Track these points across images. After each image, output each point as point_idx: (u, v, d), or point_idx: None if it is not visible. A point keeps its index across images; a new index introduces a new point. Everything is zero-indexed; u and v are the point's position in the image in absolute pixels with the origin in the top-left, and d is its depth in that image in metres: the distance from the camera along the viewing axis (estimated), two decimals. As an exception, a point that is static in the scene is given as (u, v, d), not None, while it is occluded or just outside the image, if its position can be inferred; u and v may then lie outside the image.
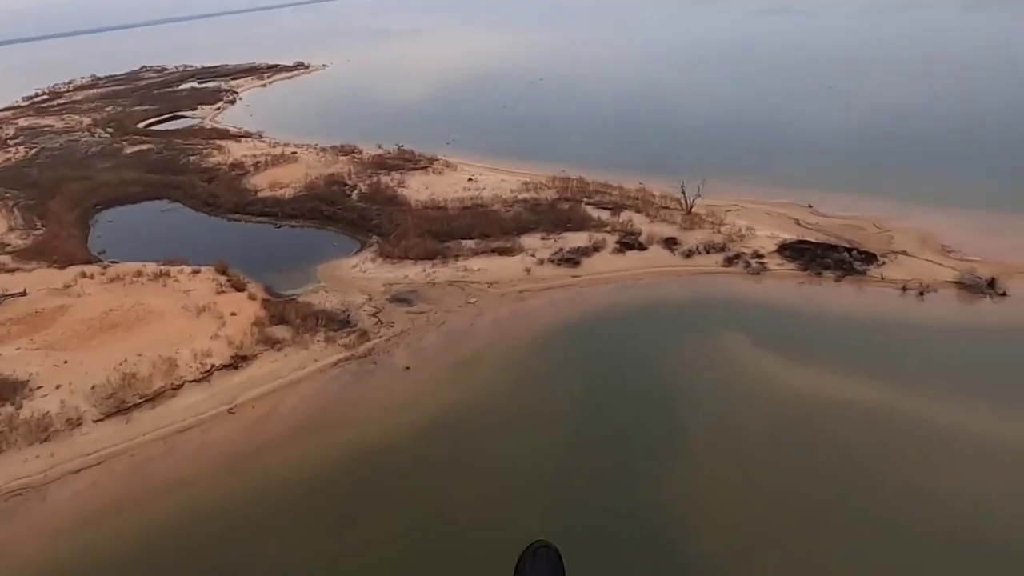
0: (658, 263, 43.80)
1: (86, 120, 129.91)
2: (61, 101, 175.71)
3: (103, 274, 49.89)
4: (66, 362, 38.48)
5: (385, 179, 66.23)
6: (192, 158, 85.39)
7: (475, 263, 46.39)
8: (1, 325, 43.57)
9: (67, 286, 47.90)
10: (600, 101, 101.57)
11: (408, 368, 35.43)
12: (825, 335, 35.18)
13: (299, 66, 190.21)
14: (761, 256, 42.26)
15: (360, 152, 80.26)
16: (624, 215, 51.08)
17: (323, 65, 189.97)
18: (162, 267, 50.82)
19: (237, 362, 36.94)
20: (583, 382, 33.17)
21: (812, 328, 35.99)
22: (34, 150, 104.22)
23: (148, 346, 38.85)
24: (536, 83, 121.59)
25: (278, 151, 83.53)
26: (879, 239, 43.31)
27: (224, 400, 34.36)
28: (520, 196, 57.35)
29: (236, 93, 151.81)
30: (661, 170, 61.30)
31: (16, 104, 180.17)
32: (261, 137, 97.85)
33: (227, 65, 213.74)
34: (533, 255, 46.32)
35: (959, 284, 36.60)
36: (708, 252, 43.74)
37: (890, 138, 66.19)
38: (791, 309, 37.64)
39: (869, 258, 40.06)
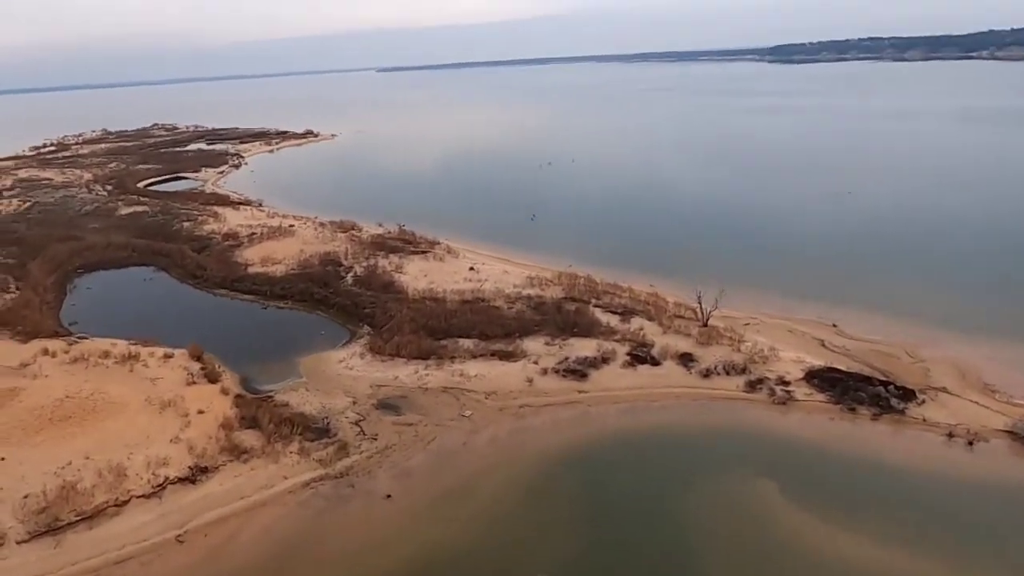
0: (673, 382, 39.99)
1: (87, 175, 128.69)
2: (67, 154, 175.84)
3: (67, 352, 45.79)
4: (3, 459, 33.89)
5: (383, 262, 63.21)
6: (186, 224, 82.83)
7: (473, 367, 42.53)
8: (-59, 408, 39.12)
9: (24, 364, 43.72)
10: (612, 191, 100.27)
11: (389, 496, 30.95)
12: (862, 486, 31.03)
13: (308, 134, 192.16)
14: (787, 383, 38.55)
15: (360, 230, 77.76)
16: (635, 322, 47.67)
17: (332, 135, 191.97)
18: (132, 347, 46.84)
19: (195, 475, 32.42)
20: (586, 528, 28.73)
21: (847, 476, 31.85)
22: (27, 204, 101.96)
23: (98, 447, 34.38)
24: (544, 167, 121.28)
25: (275, 223, 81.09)
26: (914, 371, 39.77)
27: (174, 523, 29.68)
28: (524, 292, 54.10)
29: (242, 157, 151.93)
30: (674, 272, 58.61)
31: (21, 154, 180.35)
32: (260, 206, 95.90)
33: (237, 128, 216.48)
34: (536, 362, 42.55)
35: (1012, 434, 32.79)
36: (728, 373, 40.04)
37: (915, 252, 63.85)
38: (823, 450, 33.59)
39: (907, 394, 36.37)
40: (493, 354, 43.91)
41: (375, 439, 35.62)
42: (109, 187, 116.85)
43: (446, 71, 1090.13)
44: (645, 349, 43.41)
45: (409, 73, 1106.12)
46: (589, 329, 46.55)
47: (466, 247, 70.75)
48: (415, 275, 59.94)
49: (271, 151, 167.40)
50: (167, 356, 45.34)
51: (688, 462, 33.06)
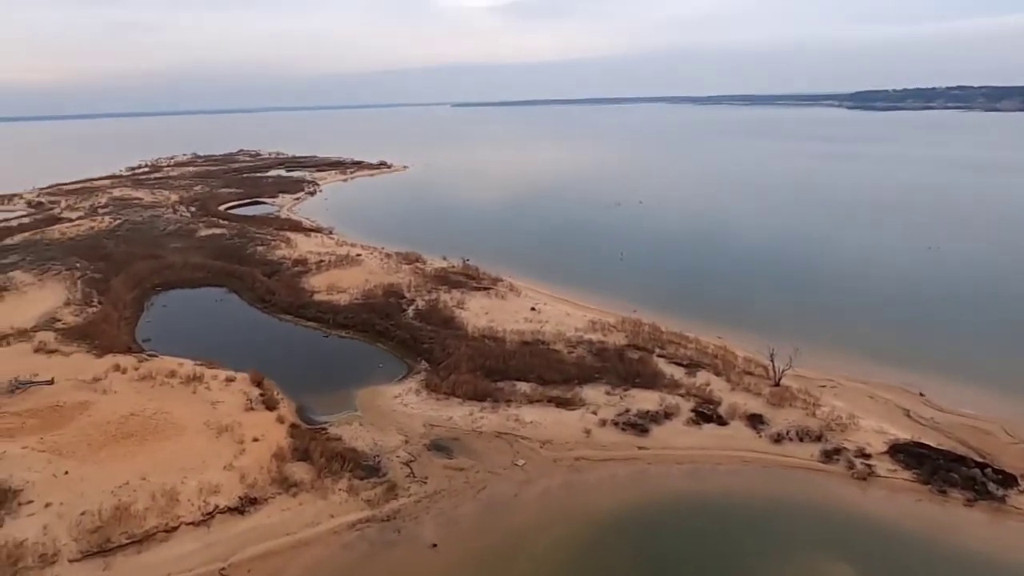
0: (741, 445, 37.52)
1: (173, 197, 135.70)
2: (158, 175, 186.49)
3: (137, 369, 47.17)
4: (67, 473, 34.66)
5: (444, 297, 63.08)
6: (259, 248, 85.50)
7: (529, 413, 41.23)
8: (17, 416, 40.69)
9: (96, 379, 45.17)
10: (681, 235, 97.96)
11: (435, 546, 29.80)
12: (953, 580, 27.86)
13: (382, 165, 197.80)
14: (868, 455, 35.51)
15: (424, 262, 78.31)
16: (701, 376, 45.40)
17: (404, 166, 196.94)
18: (198, 367, 47.86)
19: (244, 505, 32.20)
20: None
21: (934, 567, 28.68)
22: (118, 222, 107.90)
23: (155, 469, 34.73)
24: (612, 208, 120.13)
25: (343, 251, 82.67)
26: (1014, 452, 36.00)
27: (220, 555, 29.37)
28: (585, 336, 52.65)
29: (318, 185, 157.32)
30: (744, 325, 55.95)
31: (118, 173, 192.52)
32: (331, 234, 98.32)
33: (315, 156, 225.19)
34: (595, 412, 40.88)
35: None
36: (801, 440, 37.30)
37: (1009, 317, 58.94)
38: (908, 535, 30.46)
39: (1008, 480, 32.80)
40: (550, 400, 42.52)
41: (425, 482, 34.66)
42: (193, 208, 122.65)
43: (518, 108, 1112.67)
44: (711, 406, 41.12)
45: (482, 109, 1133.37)
46: (652, 380, 44.61)
47: (528, 285, 70.02)
48: (476, 312, 59.43)
49: (345, 180, 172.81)
50: (229, 380, 46.04)
51: (755, 537, 30.53)
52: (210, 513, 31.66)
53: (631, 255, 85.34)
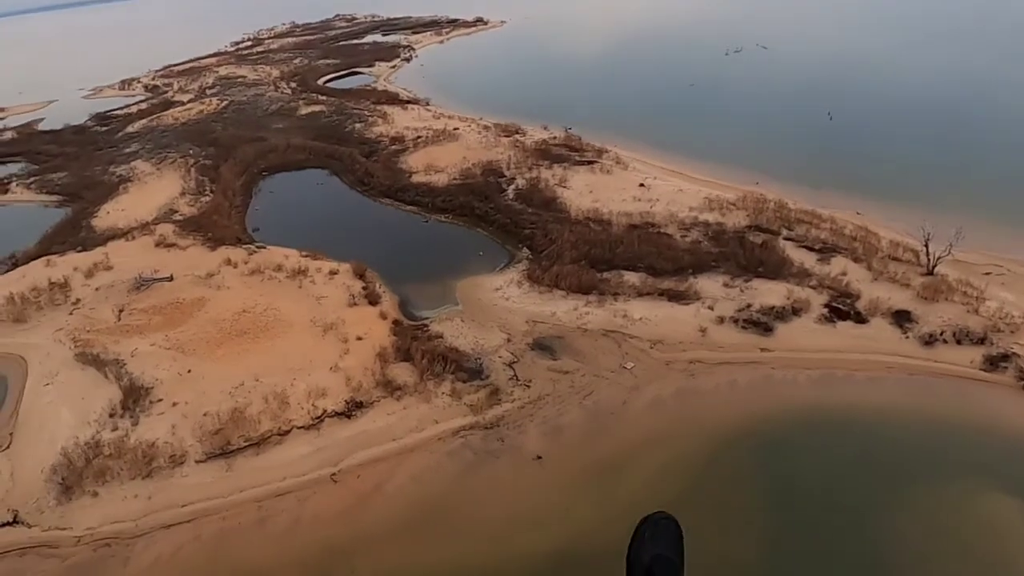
0: (883, 348, 32.99)
1: (275, 72, 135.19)
2: (260, 49, 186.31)
3: (246, 263, 48.10)
4: (190, 371, 36.37)
5: (546, 174, 59.09)
6: (357, 126, 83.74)
7: (637, 308, 38.26)
8: (144, 313, 42.91)
9: (210, 275, 46.53)
10: (812, 85, 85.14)
11: (540, 458, 28.81)
12: None
13: (478, 22, 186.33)
14: (1045, 364, 30.14)
15: (523, 134, 73.62)
16: (836, 263, 39.96)
17: (501, 22, 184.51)
18: (303, 259, 48.23)
19: (351, 409, 32.46)
20: (763, 530, 24.59)
21: None
22: (224, 103, 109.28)
23: (267, 369, 35.60)
24: (732, 55, 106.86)
25: (440, 125, 79.19)
26: None
27: (330, 459, 30.00)
28: (701, 217, 47.69)
29: (413, 50, 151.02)
30: (890, 198, 48.46)
31: (223, 50, 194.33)
32: (428, 105, 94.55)
33: (410, 18, 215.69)
34: (711, 308, 37.26)
35: None
36: (959, 342, 32.18)
37: None
38: (1094, 463, 25.87)
39: None
40: (662, 293, 39.13)
41: (528, 386, 33.37)
42: (293, 84, 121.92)
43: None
44: (848, 301, 36.24)
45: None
46: (777, 269, 39.84)
47: (636, 156, 64.21)
48: (579, 190, 55.35)
49: (441, 42, 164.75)
50: (332, 273, 46.01)
51: (900, 458, 27.05)
52: (319, 417, 32.19)
53: (756, 112, 75.83)
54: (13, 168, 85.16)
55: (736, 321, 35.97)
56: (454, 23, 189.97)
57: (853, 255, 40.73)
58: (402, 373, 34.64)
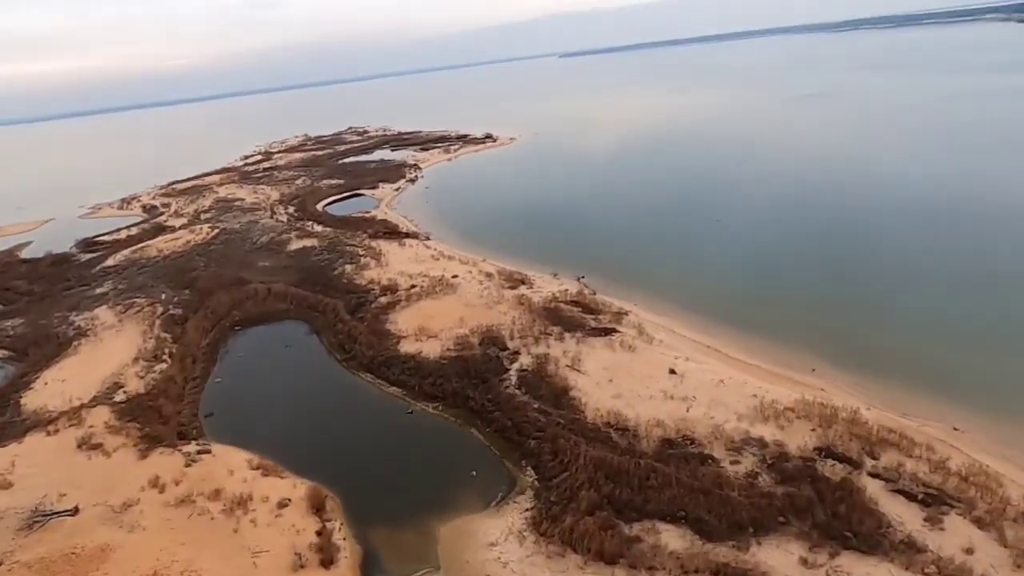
0: None
1: (274, 195, 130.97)
2: (267, 164, 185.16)
3: (178, 484, 38.19)
4: None
5: (556, 350, 49.85)
6: (348, 268, 76.20)
7: (683, 597, 27.54)
8: (27, 569, 32.59)
9: (127, 506, 36.49)
10: (868, 231, 72.90)
11: None
12: None
13: (487, 138, 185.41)
14: None
15: (530, 284, 65.43)
16: (952, 527, 29.35)
17: (511, 139, 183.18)
18: (251, 473, 38.52)
19: None
20: None
21: None
22: (215, 232, 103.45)
23: None
24: (750, 181, 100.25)
25: (438, 270, 71.33)
26: None
27: None
28: (753, 432, 37.61)
29: (419, 169, 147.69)
30: (998, 403, 38.29)
31: (231, 165, 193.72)
32: (427, 240, 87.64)
33: (420, 133, 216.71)
34: (789, 606, 26.47)
35: None
36: None
37: None
38: None
39: None
40: (716, 573, 28.49)
41: None
42: (291, 208, 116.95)
43: (627, 53, 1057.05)
44: (988, 608, 25.41)
45: (590, 57, 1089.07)
46: (872, 537, 29.21)
47: (661, 321, 55.28)
48: (597, 377, 45.77)
49: (449, 159, 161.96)
50: (282, 505, 35.93)
51: None
52: None
53: (796, 254, 67.27)
54: (-30, 311, 77.56)
55: (829, 638, 25.10)
56: (463, 139, 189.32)
57: (971, 510, 30.18)
58: None
